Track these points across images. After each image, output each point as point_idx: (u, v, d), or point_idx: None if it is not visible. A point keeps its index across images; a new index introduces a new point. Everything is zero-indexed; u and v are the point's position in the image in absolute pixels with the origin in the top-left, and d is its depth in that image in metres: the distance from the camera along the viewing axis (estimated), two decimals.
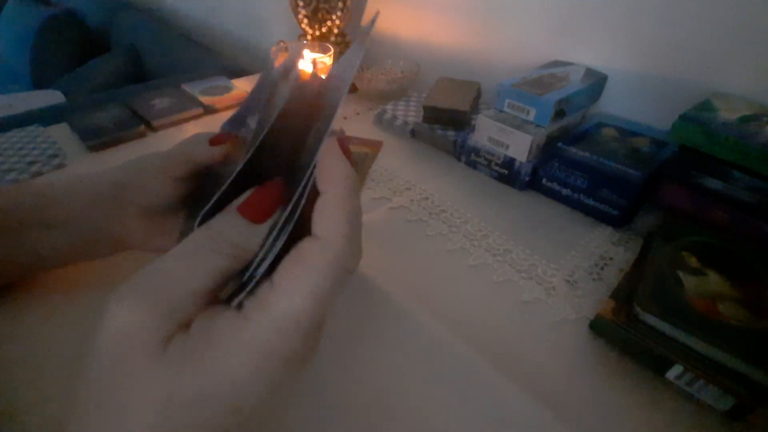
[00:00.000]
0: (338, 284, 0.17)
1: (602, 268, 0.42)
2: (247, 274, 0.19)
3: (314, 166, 0.19)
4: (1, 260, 0.31)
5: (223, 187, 0.20)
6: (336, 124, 0.22)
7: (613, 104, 0.59)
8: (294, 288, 0.17)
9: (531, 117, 0.51)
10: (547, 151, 0.51)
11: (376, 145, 0.61)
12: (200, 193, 0.32)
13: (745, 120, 0.42)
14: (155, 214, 0.32)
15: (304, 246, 0.18)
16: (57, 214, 0.31)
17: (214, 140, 0.29)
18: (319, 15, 0.75)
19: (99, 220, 0.31)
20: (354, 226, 0.18)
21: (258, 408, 0.18)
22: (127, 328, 0.16)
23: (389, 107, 0.67)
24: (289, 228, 0.19)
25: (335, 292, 0.18)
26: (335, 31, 0.77)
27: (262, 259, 0.19)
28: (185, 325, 0.17)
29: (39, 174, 0.51)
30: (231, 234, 0.18)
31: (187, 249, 0.18)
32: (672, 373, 0.31)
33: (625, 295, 0.36)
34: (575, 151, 0.49)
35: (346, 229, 0.18)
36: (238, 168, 0.20)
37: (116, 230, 0.32)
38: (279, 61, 0.66)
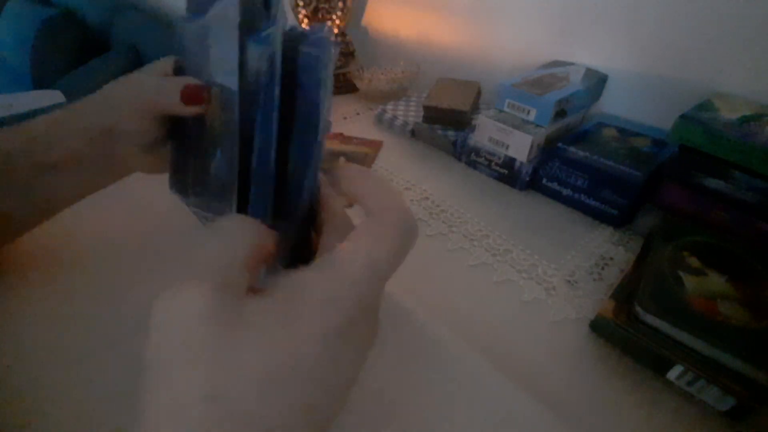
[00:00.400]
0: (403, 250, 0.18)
1: (602, 268, 0.42)
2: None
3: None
4: (19, 205, 0.31)
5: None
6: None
7: (613, 104, 0.59)
8: (368, 244, 0.17)
9: (531, 117, 0.51)
10: (548, 151, 0.51)
11: (376, 145, 0.61)
12: (184, 127, 0.31)
13: (745, 120, 0.42)
14: (154, 146, 0.32)
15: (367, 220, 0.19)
16: (58, 156, 0.31)
17: (187, 97, 0.27)
18: (319, 15, 0.75)
19: (101, 159, 0.32)
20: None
21: (351, 378, 0.18)
22: (189, 307, 0.15)
23: (389, 107, 0.67)
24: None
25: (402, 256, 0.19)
26: (335, 31, 0.77)
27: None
28: (254, 292, 0.17)
29: None
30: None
31: (214, 229, 0.18)
32: (672, 373, 0.31)
33: (625, 295, 0.36)
34: (575, 151, 0.49)
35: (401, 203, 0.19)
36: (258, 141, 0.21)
37: (121, 164, 0.33)
38: None
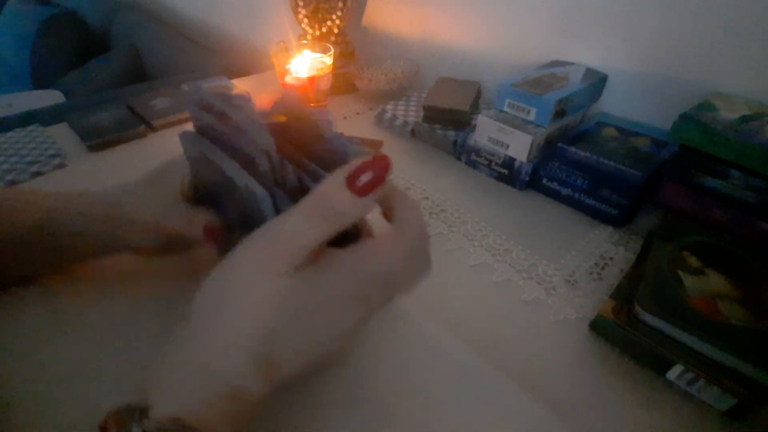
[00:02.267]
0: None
1: (602, 268, 0.42)
2: None
3: None
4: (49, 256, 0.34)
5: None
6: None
7: (613, 104, 0.58)
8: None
9: (531, 117, 0.51)
10: (547, 151, 0.51)
11: (376, 145, 0.61)
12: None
13: (745, 120, 0.42)
14: (159, 250, 0.34)
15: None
16: (69, 240, 0.33)
17: (207, 235, 0.30)
18: (319, 15, 0.75)
19: (107, 244, 0.34)
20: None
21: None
22: (258, 258, 0.21)
23: (389, 107, 0.67)
24: None
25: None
26: (335, 31, 0.77)
27: None
28: (306, 264, 0.21)
29: (39, 174, 0.51)
30: (338, 205, 0.21)
31: (303, 211, 0.21)
32: (672, 373, 0.31)
33: (625, 294, 0.36)
34: (575, 151, 0.49)
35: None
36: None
37: (126, 247, 0.35)
38: (277, 59, 0.66)
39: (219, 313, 0.21)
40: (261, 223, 0.24)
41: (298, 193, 0.25)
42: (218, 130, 0.27)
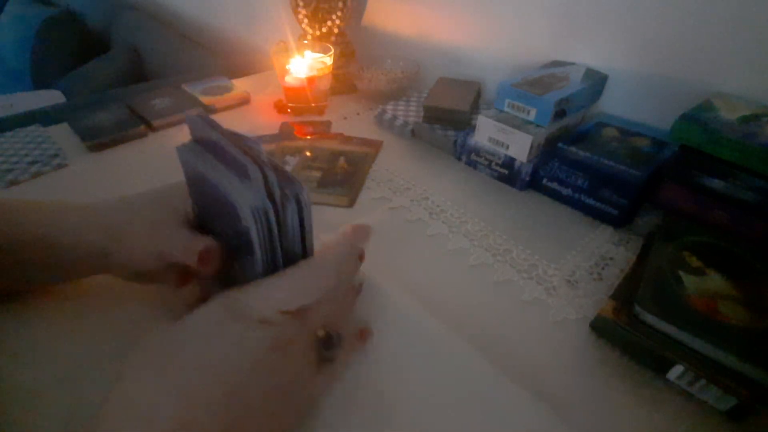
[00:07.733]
0: None
1: (603, 268, 0.42)
2: None
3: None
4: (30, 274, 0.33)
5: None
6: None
7: (614, 104, 0.58)
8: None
9: (531, 117, 0.51)
10: (548, 151, 0.51)
11: (376, 145, 0.61)
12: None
13: (745, 120, 0.42)
14: (145, 274, 0.34)
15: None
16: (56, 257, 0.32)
17: (202, 260, 0.29)
18: (319, 15, 0.75)
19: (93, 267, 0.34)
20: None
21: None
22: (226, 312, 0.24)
23: (389, 107, 0.67)
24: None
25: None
26: (335, 31, 0.77)
27: None
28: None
29: (39, 174, 0.51)
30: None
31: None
32: (673, 373, 0.31)
33: (625, 295, 0.36)
34: (575, 151, 0.49)
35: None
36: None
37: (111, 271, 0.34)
38: (277, 59, 0.66)
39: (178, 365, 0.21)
40: (249, 243, 0.24)
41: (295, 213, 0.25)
42: (213, 141, 0.26)
